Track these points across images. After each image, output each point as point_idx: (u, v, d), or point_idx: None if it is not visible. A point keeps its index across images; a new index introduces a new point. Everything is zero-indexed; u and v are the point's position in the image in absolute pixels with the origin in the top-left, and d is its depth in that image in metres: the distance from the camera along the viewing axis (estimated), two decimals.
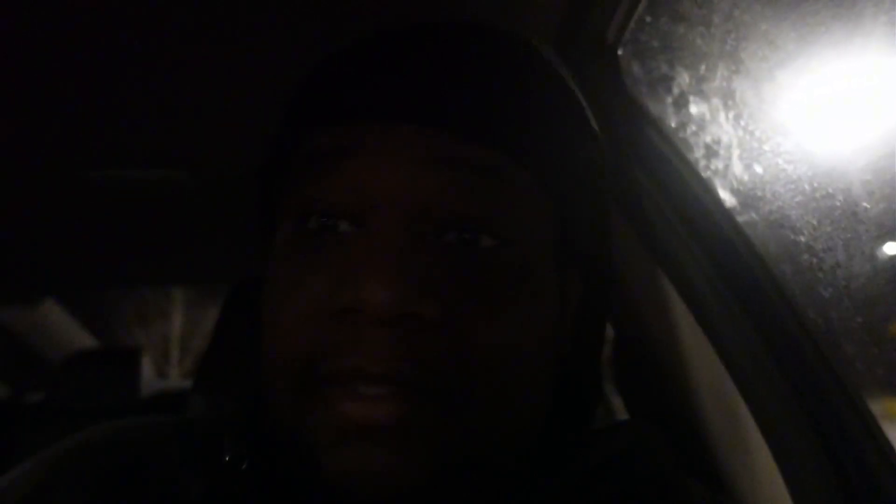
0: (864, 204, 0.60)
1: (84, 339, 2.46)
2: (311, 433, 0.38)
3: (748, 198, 0.71)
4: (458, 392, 0.37)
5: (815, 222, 0.66)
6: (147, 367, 2.03)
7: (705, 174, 0.74)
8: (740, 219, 0.72)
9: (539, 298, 0.42)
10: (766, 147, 0.70)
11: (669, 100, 0.75)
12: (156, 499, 0.42)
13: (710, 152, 0.73)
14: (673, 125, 0.77)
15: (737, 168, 0.71)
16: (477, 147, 0.40)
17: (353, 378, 0.36)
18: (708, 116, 0.72)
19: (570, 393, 0.48)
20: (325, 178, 0.41)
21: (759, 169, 0.71)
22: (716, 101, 0.71)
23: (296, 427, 0.39)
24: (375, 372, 0.36)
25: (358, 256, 0.37)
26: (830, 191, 0.64)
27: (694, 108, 0.74)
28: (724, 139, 0.71)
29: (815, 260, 0.66)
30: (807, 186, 0.66)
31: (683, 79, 0.73)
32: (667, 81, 0.75)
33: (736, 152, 0.70)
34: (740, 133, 0.71)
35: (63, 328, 2.36)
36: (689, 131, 0.75)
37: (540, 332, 0.42)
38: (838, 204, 0.63)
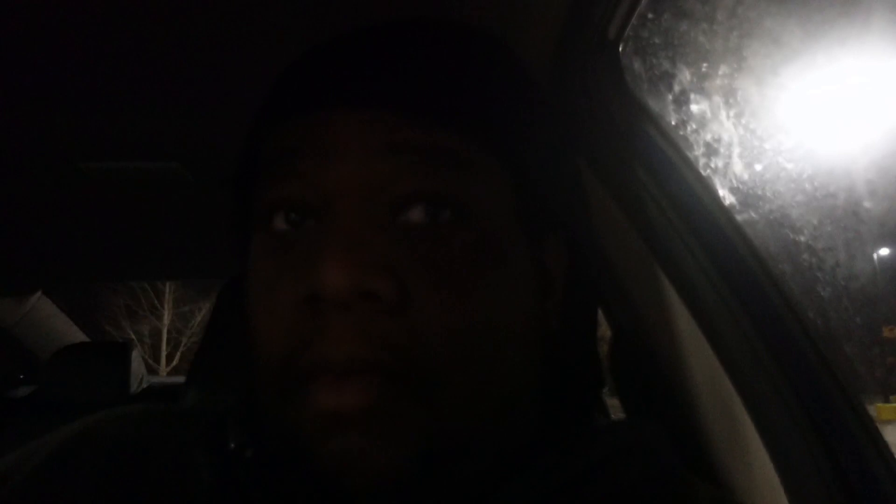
0: (867, 204, 0.60)
1: (74, 334, 2.45)
2: (296, 427, 0.38)
3: (748, 196, 0.71)
4: (426, 372, 0.37)
5: (815, 222, 0.65)
6: (137, 362, 2.02)
7: (705, 172, 0.74)
8: (740, 217, 0.72)
9: (507, 272, 0.41)
10: (767, 145, 0.69)
11: (670, 97, 0.75)
12: (164, 483, 0.42)
13: (711, 150, 0.73)
14: (673, 123, 0.76)
15: (737, 166, 0.71)
16: (424, 128, 0.40)
17: (324, 369, 0.36)
18: (709, 114, 0.72)
19: (566, 376, 0.48)
20: (284, 178, 0.41)
21: (759, 167, 0.71)
22: (717, 99, 0.71)
23: (282, 422, 0.39)
24: (339, 359, 0.36)
25: (315, 246, 0.38)
26: (832, 190, 0.64)
27: (695, 106, 0.74)
28: (725, 137, 0.71)
29: (815, 260, 0.66)
30: (808, 185, 0.66)
31: (685, 76, 0.73)
32: (668, 78, 0.75)
33: (736, 150, 0.70)
34: (741, 131, 0.71)
35: (53, 322, 2.34)
36: (689, 129, 0.75)
37: (512, 306, 0.42)
38: (840, 203, 0.63)
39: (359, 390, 0.36)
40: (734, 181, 0.71)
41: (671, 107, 0.75)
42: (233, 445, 0.43)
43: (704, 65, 0.72)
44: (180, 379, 2.25)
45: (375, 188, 0.39)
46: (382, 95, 0.41)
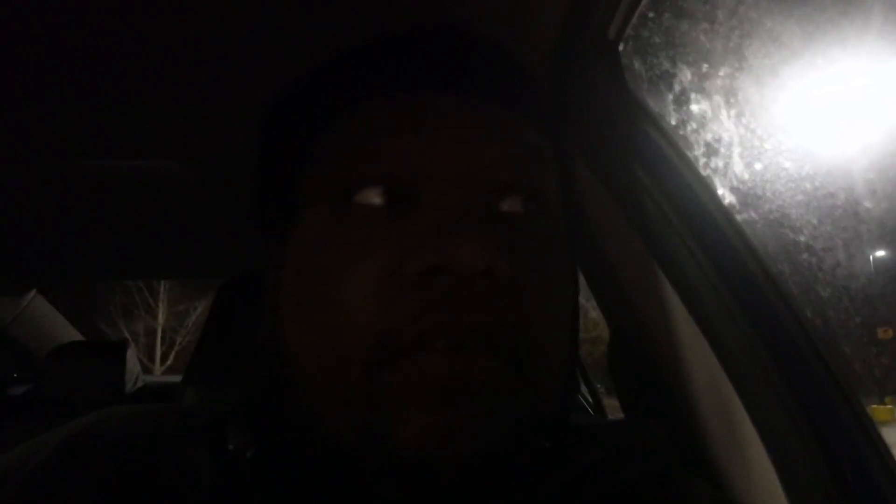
0: (866, 204, 0.60)
1: (70, 333, 2.45)
2: (385, 401, 0.37)
3: (748, 196, 0.71)
4: (529, 350, 0.39)
5: (815, 221, 0.66)
6: (132, 361, 2.01)
7: (705, 172, 0.74)
8: (739, 217, 0.72)
9: (566, 266, 0.44)
10: (767, 145, 0.69)
11: (670, 97, 0.75)
12: (165, 483, 0.42)
13: (711, 150, 0.73)
14: (673, 122, 0.76)
15: (737, 166, 0.71)
16: (520, 121, 0.44)
17: (440, 336, 0.37)
18: (709, 114, 0.72)
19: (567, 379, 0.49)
20: (381, 153, 0.41)
21: (759, 167, 0.71)
22: (717, 99, 0.71)
23: (364, 400, 0.38)
24: (464, 327, 0.37)
25: (433, 223, 0.38)
26: (832, 190, 0.64)
27: (695, 106, 0.74)
28: (725, 137, 0.71)
29: (814, 259, 0.66)
30: (808, 185, 0.66)
31: (685, 76, 0.73)
32: (668, 78, 0.75)
33: (736, 150, 0.70)
34: (741, 131, 0.71)
35: (48, 321, 2.34)
36: (689, 129, 0.75)
37: (571, 292, 0.44)
38: (839, 203, 0.63)
39: (475, 362, 0.37)
40: (734, 181, 0.71)
41: (671, 106, 0.75)
42: (232, 446, 0.43)
43: (705, 64, 0.72)
44: (175, 378, 2.25)
45: (477, 173, 0.41)
46: (489, 86, 0.44)
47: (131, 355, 1.99)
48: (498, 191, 0.41)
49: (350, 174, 0.42)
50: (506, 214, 0.41)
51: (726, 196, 0.73)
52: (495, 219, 0.41)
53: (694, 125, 0.73)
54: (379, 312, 0.38)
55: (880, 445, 0.66)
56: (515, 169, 0.42)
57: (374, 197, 0.41)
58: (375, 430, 0.37)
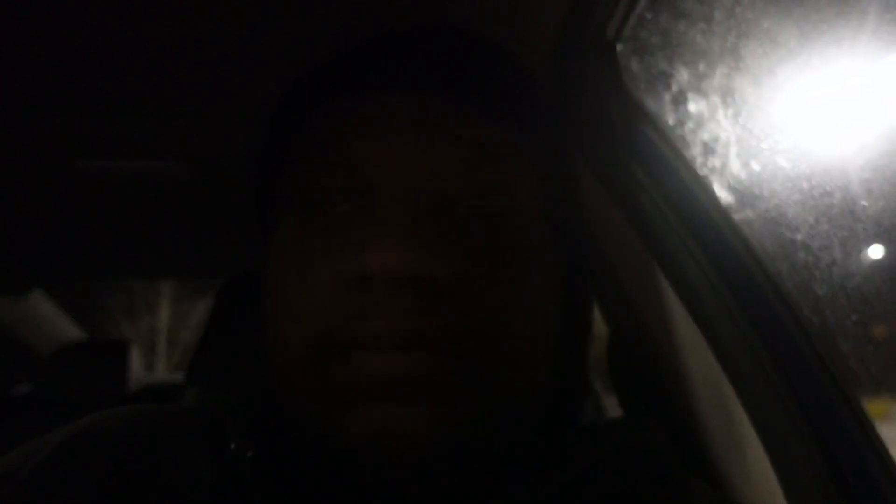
0: (863, 202, 0.60)
1: (72, 332, 2.45)
2: (332, 397, 0.38)
3: (745, 195, 0.71)
4: (473, 351, 0.38)
5: (811, 220, 0.66)
6: (135, 360, 2.01)
7: (702, 171, 0.74)
8: (737, 216, 0.72)
9: (537, 266, 0.43)
10: (764, 145, 0.70)
11: (668, 97, 0.75)
12: (165, 483, 0.42)
13: (708, 149, 0.73)
14: (671, 122, 0.77)
15: (734, 165, 0.71)
16: (476, 119, 0.42)
17: (370, 341, 0.37)
18: (706, 114, 0.72)
19: (564, 380, 0.48)
20: (333, 164, 0.42)
21: (756, 166, 0.71)
22: (714, 99, 0.71)
23: (315, 395, 0.39)
24: (386, 333, 0.37)
25: (365, 228, 0.39)
26: (828, 189, 0.64)
27: (692, 106, 0.74)
28: (722, 136, 0.71)
29: (811, 258, 0.66)
30: (804, 184, 0.66)
31: (682, 76, 0.73)
32: (666, 78, 0.75)
33: (734, 150, 0.71)
34: (738, 130, 0.71)
35: (51, 320, 2.34)
36: (686, 128, 0.75)
37: (539, 298, 0.43)
38: (836, 202, 0.63)
39: (405, 360, 0.37)
40: (731, 180, 0.71)
41: (669, 106, 0.75)
42: (233, 446, 0.43)
43: (702, 64, 0.72)
44: (177, 378, 2.25)
45: (426, 177, 0.41)
46: (440, 82, 0.43)
47: (134, 354, 1.99)
48: (450, 194, 0.41)
49: (305, 183, 0.42)
50: (462, 216, 0.41)
51: (724, 195, 0.73)
52: (443, 221, 0.40)
53: (691, 125, 0.74)
54: (320, 314, 0.39)
55: (880, 445, 0.66)
56: (473, 172, 0.41)
57: (331, 202, 0.41)
58: (332, 426, 0.38)
